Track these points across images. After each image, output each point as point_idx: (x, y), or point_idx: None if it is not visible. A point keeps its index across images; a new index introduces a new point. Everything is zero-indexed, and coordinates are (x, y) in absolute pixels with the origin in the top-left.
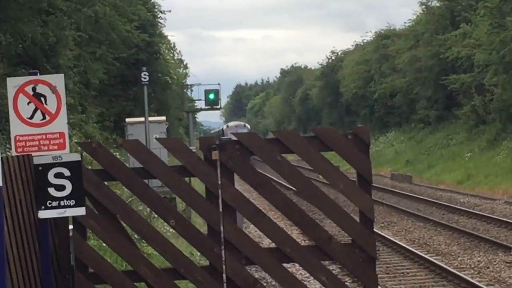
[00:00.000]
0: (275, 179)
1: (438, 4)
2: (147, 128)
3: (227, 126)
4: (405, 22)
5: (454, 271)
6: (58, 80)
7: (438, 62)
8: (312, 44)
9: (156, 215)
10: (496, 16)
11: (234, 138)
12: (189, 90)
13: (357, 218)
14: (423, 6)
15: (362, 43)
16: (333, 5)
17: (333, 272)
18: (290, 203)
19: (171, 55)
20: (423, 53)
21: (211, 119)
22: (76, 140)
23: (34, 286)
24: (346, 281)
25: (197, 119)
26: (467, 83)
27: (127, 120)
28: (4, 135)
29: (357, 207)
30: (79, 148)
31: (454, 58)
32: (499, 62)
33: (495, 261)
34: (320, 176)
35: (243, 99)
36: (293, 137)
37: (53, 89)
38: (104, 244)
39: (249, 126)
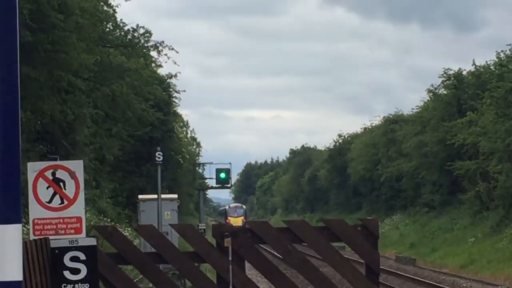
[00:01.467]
0: None
1: (445, 92)
2: (160, 205)
3: (229, 206)
4: (412, 108)
5: None
6: (77, 166)
7: (444, 148)
8: (321, 125)
9: None
10: (502, 105)
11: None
12: (201, 168)
13: None
14: (431, 93)
15: (370, 127)
16: (340, 88)
17: None
18: None
19: (184, 133)
20: (430, 138)
21: (220, 196)
22: (89, 215)
23: None
24: None
25: (207, 196)
26: (472, 169)
27: (140, 197)
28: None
29: None
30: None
31: (460, 144)
32: (504, 150)
33: None
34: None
35: (252, 177)
36: (304, 227)
37: (72, 175)
38: None
39: (244, 207)
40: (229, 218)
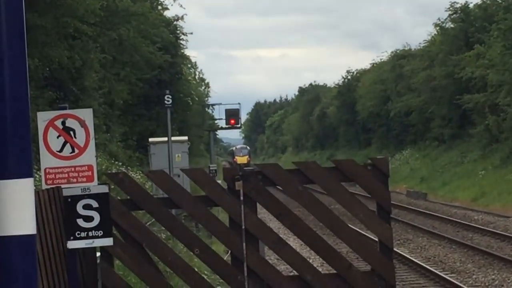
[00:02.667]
0: None
1: (452, 26)
2: (170, 148)
3: (236, 148)
4: (420, 43)
5: None
6: (87, 114)
7: (452, 81)
8: (328, 63)
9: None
10: (509, 37)
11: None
12: (210, 109)
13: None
14: (438, 28)
15: (378, 62)
16: (347, 25)
17: None
18: (311, 232)
19: (193, 75)
20: (438, 73)
21: (231, 136)
22: (100, 159)
23: None
24: None
25: (217, 136)
26: (480, 102)
27: (150, 140)
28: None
29: (376, 236)
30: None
31: (468, 78)
32: None
33: (509, 279)
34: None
35: (262, 116)
36: (314, 168)
37: (82, 123)
38: (130, 272)
39: (248, 148)
40: (236, 157)
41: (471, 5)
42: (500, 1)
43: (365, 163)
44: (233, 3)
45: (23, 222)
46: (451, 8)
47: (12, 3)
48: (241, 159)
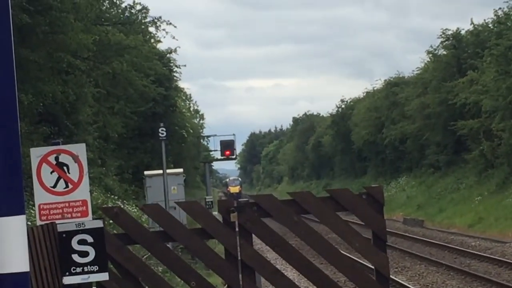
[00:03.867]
0: None
1: (445, 52)
2: (165, 181)
3: (229, 179)
4: (413, 70)
5: None
6: (80, 149)
7: (446, 108)
8: (322, 91)
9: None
10: (502, 63)
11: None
12: (205, 140)
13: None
14: (430, 55)
15: (372, 91)
16: (340, 53)
17: None
18: (308, 263)
19: (187, 107)
20: (432, 99)
21: (226, 167)
22: (95, 193)
23: None
24: None
25: (213, 167)
26: (475, 128)
27: (146, 173)
28: (27, 192)
29: (372, 265)
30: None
31: (462, 104)
32: (506, 108)
33: None
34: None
35: (257, 146)
36: (309, 198)
37: (76, 159)
38: None
39: (240, 179)
40: (229, 187)
41: (463, 32)
42: (492, 27)
43: (360, 192)
44: (224, 33)
45: (15, 259)
46: (443, 35)
47: (1, 40)
48: (234, 189)
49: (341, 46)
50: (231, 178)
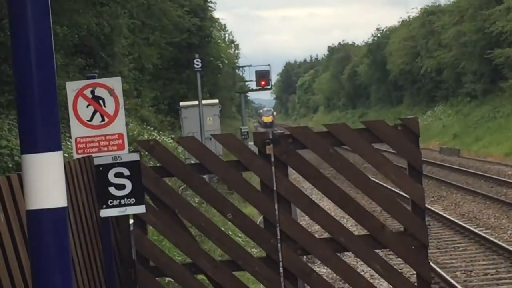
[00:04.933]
0: None
1: None
2: (201, 111)
3: (262, 110)
4: None
5: (504, 245)
6: (115, 83)
7: (483, 36)
8: (356, 20)
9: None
10: None
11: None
12: (240, 70)
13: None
14: None
15: (407, 19)
16: None
17: (387, 260)
18: (343, 194)
19: (222, 37)
20: (468, 28)
21: (262, 97)
22: (132, 124)
23: (98, 281)
24: (399, 269)
25: (248, 98)
26: (511, 56)
27: (181, 103)
28: (63, 124)
29: (408, 196)
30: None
31: (499, 32)
32: None
33: None
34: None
35: (292, 76)
36: (345, 130)
37: (111, 92)
38: (164, 238)
39: (272, 110)
40: (263, 117)
41: None
42: None
43: (395, 124)
44: None
45: (54, 195)
46: None
47: None
48: (267, 119)
49: None
50: (264, 109)
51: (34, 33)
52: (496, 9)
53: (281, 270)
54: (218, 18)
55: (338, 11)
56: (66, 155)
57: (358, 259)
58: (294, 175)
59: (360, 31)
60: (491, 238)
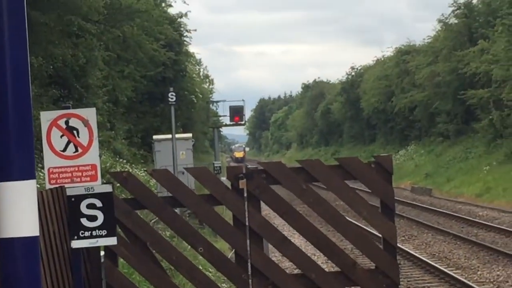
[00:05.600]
0: None
1: (456, 21)
2: (174, 145)
3: (234, 146)
4: (424, 38)
5: (474, 285)
6: (90, 113)
7: (456, 77)
8: (331, 58)
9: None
10: None
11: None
12: (214, 105)
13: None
14: (441, 23)
15: (382, 58)
16: (349, 20)
17: None
18: (315, 230)
19: (197, 71)
20: (442, 68)
21: (235, 132)
22: (104, 157)
23: None
24: None
25: (221, 133)
26: (485, 98)
27: (155, 137)
28: (36, 154)
29: (380, 234)
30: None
31: (472, 73)
32: None
33: None
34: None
35: (266, 112)
36: (318, 166)
37: (86, 123)
38: (134, 271)
39: (244, 146)
40: (234, 153)
41: (474, 1)
42: None
43: (369, 161)
44: None
45: (26, 224)
46: (454, 4)
47: (14, 1)
48: (238, 154)
49: (352, 12)
50: (236, 145)
51: (11, 62)
52: (470, 50)
53: None
54: (193, 53)
55: (313, 49)
56: (39, 185)
57: None
58: (266, 211)
59: (334, 69)
60: (461, 279)
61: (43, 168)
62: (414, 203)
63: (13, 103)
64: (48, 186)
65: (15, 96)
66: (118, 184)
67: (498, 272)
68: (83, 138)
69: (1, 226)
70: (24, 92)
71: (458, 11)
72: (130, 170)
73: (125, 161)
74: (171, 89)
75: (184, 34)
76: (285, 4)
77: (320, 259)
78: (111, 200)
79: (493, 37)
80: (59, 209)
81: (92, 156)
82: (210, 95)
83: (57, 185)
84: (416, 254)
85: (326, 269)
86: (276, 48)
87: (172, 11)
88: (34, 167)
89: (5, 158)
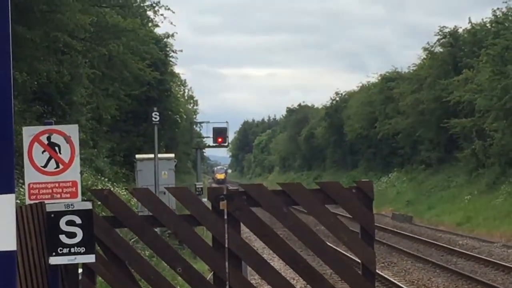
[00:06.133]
0: None
1: (441, 50)
2: (157, 165)
3: (216, 168)
4: (409, 66)
5: None
6: (72, 130)
7: (440, 105)
8: (316, 83)
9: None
10: (498, 63)
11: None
12: (198, 126)
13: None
14: (427, 51)
15: (367, 84)
16: (334, 45)
17: None
18: (295, 254)
19: (182, 92)
20: (426, 96)
21: (218, 154)
22: (86, 175)
23: None
24: None
25: (204, 154)
26: (468, 127)
27: (137, 156)
28: (17, 170)
29: (359, 259)
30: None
31: (456, 102)
32: (500, 108)
33: None
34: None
35: (250, 135)
36: (299, 190)
37: (67, 139)
38: None
39: (225, 168)
40: (216, 174)
41: (460, 30)
42: (489, 27)
43: (350, 186)
44: (220, 21)
45: (3, 238)
46: (440, 33)
47: None
48: (220, 176)
49: (337, 38)
50: (218, 167)
51: None
52: (454, 79)
53: None
54: (178, 73)
55: (297, 73)
56: (18, 201)
57: None
58: (247, 233)
59: (318, 94)
60: None
61: (24, 184)
62: (395, 230)
63: None
64: (28, 202)
65: None
66: (99, 202)
67: None
68: (65, 155)
69: None
70: (6, 106)
71: (443, 39)
72: (112, 189)
73: (106, 179)
74: (155, 108)
75: (170, 55)
76: (270, 28)
77: (299, 283)
78: (90, 217)
79: (477, 67)
80: (38, 225)
81: (73, 173)
82: (194, 116)
83: (37, 201)
84: (395, 281)
85: None
86: (260, 71)
87: (158, 31)
88: (14, 181)
89: None
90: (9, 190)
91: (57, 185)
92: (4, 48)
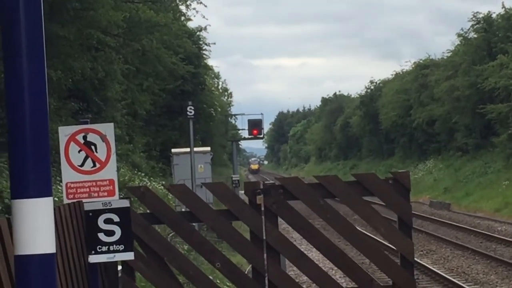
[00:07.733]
0: None
1: (475, 36)
2: (193, 159)
3: (251, 160)
4: (443, 52)
5: None
6: (108, 129)
7: (475, 91)
8: (348, 72)
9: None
10: None
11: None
12: (233, 119)
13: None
14: (461, 38)
15: (401, 72)
16: (367, 34)
17: None
18: (332, 246)
19: (216, 85)
20: (461, 83)
21: (253, 146)
22: (123, 170)
23: None
24: None
25: (240, 146)
26: (504, 112)
27: (173, 150)
28: (54, 167)
29: (397, 250)
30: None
31: (491, 88)
32: None
33: None
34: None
35: (285, 126)
36: (336, 182)
37: (103, 138)
38: (151, 285)
39: (258, 159)
40: (251, 165)
41: (494, 15)
42: None
43: (386, 177)
44: (251, 11)
45: (42, 241)
46: (473, 19)
47: (32, 15)
48: (254, 166)
49: (369, 26)
50: (252, 159)
51: (28, 76)
52: (489, 65)
53: None
54: (212, 66)
55: (330, 62)
56: (56, 199)
57: None
58: (283, 225)
59: (352, 83)
60: None
61: (61, 181)
62: (433, 217)
63: (30, 118)
64: (66, 201)
65: (32, 110)
66: (136, 198)
67: None
68: (101, 153)
69: (18, 243)
70: (42, 106)
71: (477, 25)
72: (149, 184)
73: (143, 174)
74: (190, 102)
75: (203, 48)
76: (301, 17)
77: (337, 274)
78: (128, 215)
79: None
80: (77, 224)
81: (110, 171)
82: (229, 108)
83: (74, 200)
84: (434, 269)
85: (343, 285)
86: (293, 61)
87: (191, 24)
88: (51, 184)
89: (22, 175)
90: (47, 194)
91: (94, 183)
92: (38, 46)
